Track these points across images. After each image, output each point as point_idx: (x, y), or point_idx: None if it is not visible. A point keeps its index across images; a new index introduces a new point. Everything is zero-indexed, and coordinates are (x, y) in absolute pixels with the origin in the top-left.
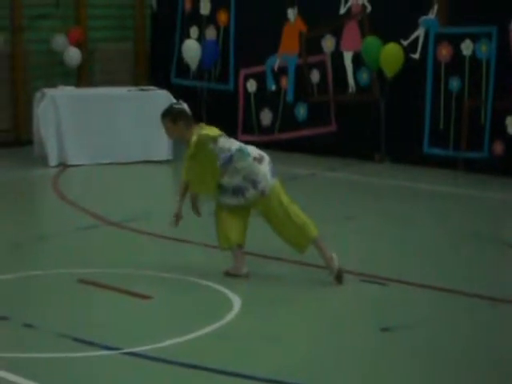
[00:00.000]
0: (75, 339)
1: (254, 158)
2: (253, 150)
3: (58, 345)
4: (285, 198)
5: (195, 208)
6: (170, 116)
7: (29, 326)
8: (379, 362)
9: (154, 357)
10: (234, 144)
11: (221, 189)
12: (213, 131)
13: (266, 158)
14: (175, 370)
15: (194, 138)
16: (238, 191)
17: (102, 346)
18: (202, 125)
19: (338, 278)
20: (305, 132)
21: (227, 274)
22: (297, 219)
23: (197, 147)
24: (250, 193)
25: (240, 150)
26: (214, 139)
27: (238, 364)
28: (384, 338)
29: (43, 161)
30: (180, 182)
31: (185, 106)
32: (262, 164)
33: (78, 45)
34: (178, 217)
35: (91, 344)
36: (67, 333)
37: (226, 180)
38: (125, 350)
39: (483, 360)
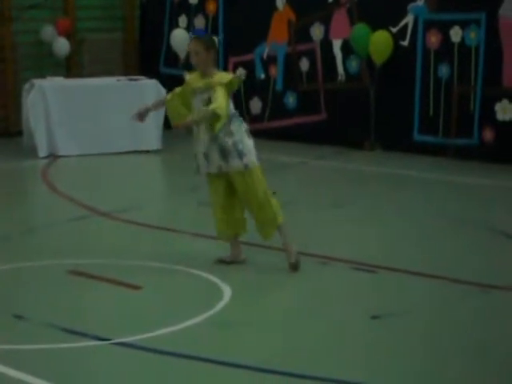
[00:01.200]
0: (66, 330)
1: (245, 129)
2: (244, 123)
3: (48, 336)
4: (265, 183)
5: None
6: (205, 41)
7: (19, 317)
8: (370, 350)
9: (144, 347)
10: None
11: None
12: None
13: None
14: (166, 360)
15: (231, 76)
16: (224, 153)
17: (93, 337)
18: None
19: (294, 266)
20: (294, 120)
21: (222, 261)
22: (274, 204)
23: (230, 85)
24: (235, 162)
25: (236, 114)
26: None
27: (230, 353)
28: (374, 326)
29: (33, 152)
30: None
31: (217, 40)
32: (250, 139)
33: (67, 35)
34: (142, 113)
35: (82, 335)
36: (58, 323)
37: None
38: (115, 341)
39: (475, 347)
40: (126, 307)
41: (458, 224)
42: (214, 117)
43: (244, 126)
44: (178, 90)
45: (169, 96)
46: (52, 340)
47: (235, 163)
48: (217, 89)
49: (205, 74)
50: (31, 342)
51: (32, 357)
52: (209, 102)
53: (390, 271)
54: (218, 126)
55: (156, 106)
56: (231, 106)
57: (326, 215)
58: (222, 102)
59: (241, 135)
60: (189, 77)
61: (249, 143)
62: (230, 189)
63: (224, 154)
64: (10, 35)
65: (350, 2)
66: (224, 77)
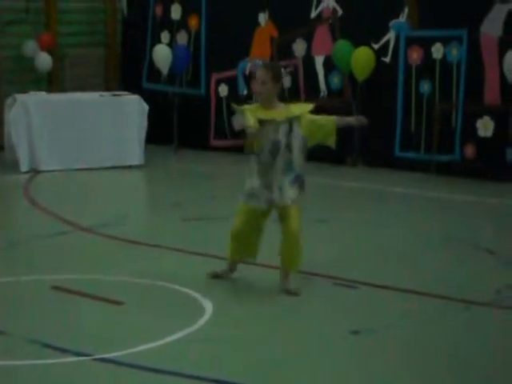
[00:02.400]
0: (47, 345)
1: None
2: None
3: (29, 351)
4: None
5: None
6: (274, 71)
7: (0, 332)
8: (349, 365)
9: (126, 362)
10: None
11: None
12: None
13: None
14: (148, 376)
15: (311, 106)
16: (295, 181)
17: (74, 353)
18: None
19: (295, 293)
20: None
21: (215, 275)
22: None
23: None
24: (291, 192)
25: None
26: None
27: (210, 369)
28: (354, 341)
29: (14, 166)
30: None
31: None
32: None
33: (49, 50)
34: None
35: (63, 350)
36: (39, 339)
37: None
38: (97, 356)
39: (456, 362)
40: (107, 323)
41: (440, 240)
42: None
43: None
44: (254, 121)
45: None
46: (33, 356)
47: (296, 194)
48: (307, 115)
49: (268, 106)
50: (12, 358)
51: (13, 373)
52: (289, 132)
53: (372, 287)
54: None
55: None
56: None
57: (308, 230)
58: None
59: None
60: (248, 108)
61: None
62: (262, 217)
63: (298, 184)
64: None
65: (333, 19)
66: (304, 106)
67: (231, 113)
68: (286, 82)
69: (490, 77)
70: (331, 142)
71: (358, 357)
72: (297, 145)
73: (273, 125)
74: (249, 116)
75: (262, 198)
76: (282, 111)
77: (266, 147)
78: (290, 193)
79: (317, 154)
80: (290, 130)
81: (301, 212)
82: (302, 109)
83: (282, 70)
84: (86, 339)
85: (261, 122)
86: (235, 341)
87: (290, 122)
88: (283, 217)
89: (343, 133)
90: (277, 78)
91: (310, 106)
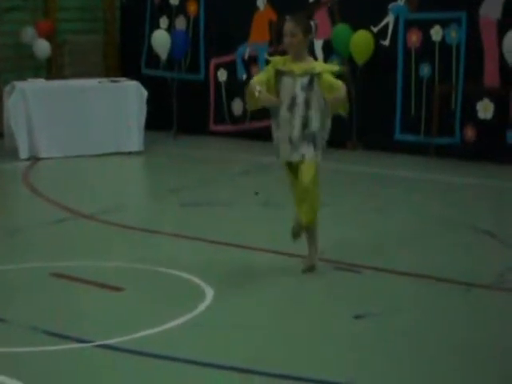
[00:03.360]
0: (48, 332)
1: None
2: None
3: (30, 338)
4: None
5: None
6: (304, 24)
7: (1, 320)
8: (354, 350)
9: (127, 348)
10: None
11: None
12: None
13: None
14: (149, 361)
15: (337, 67)
16: (312, 141)
17: (75, 339)
18: None
19: (309, 269)
20: None
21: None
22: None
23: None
24: (310, 149)
25: None
26: None
27: (212, 354)
28: (358, 326)
29: (14, 154)
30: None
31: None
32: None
33: (48, 37)
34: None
35: (64, 337)
36: (40, 326)
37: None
38: (98, 343)
39: (460, 345)
40: (108, 309)
41: (441, 222)
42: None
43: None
44: (263, 76)
45: (258, 81)
46: (34, 343)
47: (311, 152)
48: (326, 75)
49: (297, 59)
50: (13, 345)
51: (14, 360)
52: (308, 88)
53: (374, 271)
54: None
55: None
56: None
57: None
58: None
59: (327, 130)
60: (274, 59)
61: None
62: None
63: (312, 141)
64: None
65: (331, 2)
66: (327, 66)
67: (230, 97)
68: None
69: (490, 59)
70: (342, 110)
71: (361, 341)
72: (315, 102)
73: (290, 77)
74: (264, 70)
75: (280, 153)
76: (304, 65)
77: (285, 101)
78: (304, 149)
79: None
80: (310, 85)
81: (316, 168)
82: (324, 67)
83: (312, 22)
84: (87, 326)
85: (280, 74)
86: (236, 326)
87: (311, 77)
88: (298, 172)
89: (343, 117)
90: (307, 30)
91: (335, 67)
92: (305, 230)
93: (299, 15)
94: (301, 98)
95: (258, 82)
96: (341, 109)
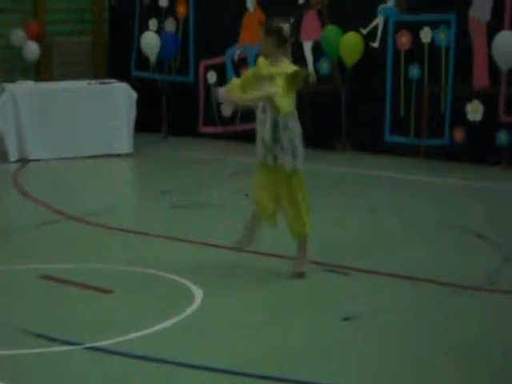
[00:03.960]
0: (37, 335)
1: (301, 133)
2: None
3: (20, 341)
4: (305, 190)
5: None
6: (266, 26)
7: None
8: (342, 352)
9: (116, 351)
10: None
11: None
12: None
13: None
14: (138, 364)
15: (295, 68)
16: (280, 146)
17: (65, 342)
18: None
19: (298, 276)
20: None
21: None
22: (305, 213)
23: (294, 78)
24: (287, 158)
25: (296, 114)
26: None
27: (201, 356)
28: (346, 327)
29: (3, 156)
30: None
31: (286, 26)
32: (301, 144)
33: (37, 39)
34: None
35: (54, 340)
36: (29, 329)
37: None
38: (87, 345)
39: (448, 347)
40: (97, 311)
41: (430, 224)
42: (268, 99)
43: (300, 129)
44: (236, 83)
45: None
46: (23, 345)
47: (287, 160)
48: (277, 78)
49: (273, 62)
50: (2, 348)
51: (3, 362)
52: None
53: (362, 272)
54: (284, 108)
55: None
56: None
57: None
58: (280, 89)
59: (298, 136)
60: (261, 59)
61: (301, 147)
62: (275, 181)
63: (280, 147)
64: None
65: (321, 4)
66: (288, 67)
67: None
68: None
69: (479, 61)
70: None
71: (350, 343)
72: None
73: (266, 80)
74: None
75: (258, 152)
76: (277, 69)
77: (259, 103)
78: (280, 158)
79: (307, 140)
80: None
81: (300, 179)
82: (282, 69)
83: (284, 24)
84: (76, 328)
85: (260, 78)
86: (225, 328)
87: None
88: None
89: (332, 118)
90: (269, 32)
91: (290, 69)
92: (296, 238)
93: (268, 22)
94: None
95: (233, 85)
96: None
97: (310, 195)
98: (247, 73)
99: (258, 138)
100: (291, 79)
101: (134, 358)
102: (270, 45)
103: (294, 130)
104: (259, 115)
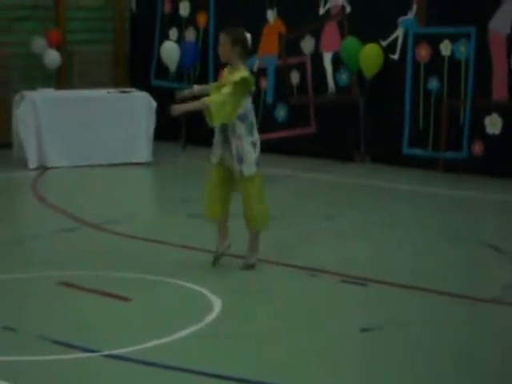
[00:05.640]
0: (56, 342)
1: (253, 140)
2: (255, 133)
3: (38, 348)
4: (259, 192)
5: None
6: (231, 36)
7: (9, 328)
8: (359, 363)
9: (134, 359)
10: (252, 113)
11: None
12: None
13: (258, 146)
14: (156, 372)
15: (245, 74)
16: (229, 150)
17: (83, 349)
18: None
19: (248, 268)
20: (284, 133)
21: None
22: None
23: (243, 84)
24: (235, 163)
25: (252, 124)
26: (251, 91)
27: (220, 365)
28: (364, 339)
29: (23, 163)
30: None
31: (248, 36)
32: (252, 151)
33: (58, 47)
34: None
35: (72, 346)
36: (48, 335)
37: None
38: (105, 353)
39: (464, 359)
40: (115, 319)
41: (447, 237)
42: (205, 109)
43: (253, 137)
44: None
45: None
46: (42, 352)
47: (234, 165)
48: (227, 85)
49: (232, 68)
50: (21, 354)
51: (22, 369)
52: None
53: (380, 284)
54: (215, 120)
55: (201, 91)
56: (245, 109)
57: (316, 228)
58: (218, 97)
59: (245, 143)
60: (226, 69)
61: (250, 154)
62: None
63: (229, 151)
64: (1, 47)
65: (341, 15)
66: (237, 74)
67: None
68: (295, 78)
69: (498, 74)
70: (209, 117)
71: (368, 354)
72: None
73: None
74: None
75: (214, 155)
76: (233, 76)
77: None
78: (228, 161)
79: (325, 151)
80: None
81: (258, 179)
82: (234, 77)
83: (245, 33)
84: (94, 335)
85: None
86: (244, 337)
87: None
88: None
89: (351, 130)
90: (235, 40)
91: (238, 75)
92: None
93: (232, 28)
94: None
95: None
96: (208, 115)
97: (327, 206)
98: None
99: (217, 139)
100: (239, 86)
101: (152, 366)
102: (234, 53)
103: (242, 136)
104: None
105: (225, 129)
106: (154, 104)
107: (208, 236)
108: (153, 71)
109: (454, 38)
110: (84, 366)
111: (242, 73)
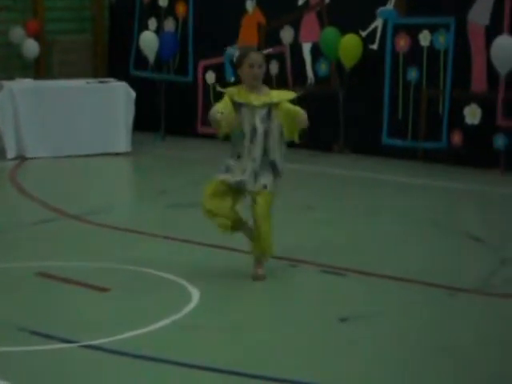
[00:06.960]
0: (34, 332)
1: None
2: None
3: (16, 338)
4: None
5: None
6: (265, 57)
7: None
8: (338, 353)
9: (112, 349)
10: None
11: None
12: None
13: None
14: (134, 363)
15: (293, 93)
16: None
17: (61, 339)
18: None
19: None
20: None
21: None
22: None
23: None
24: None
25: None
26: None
27: (198, 356)
28: (343, 328)
29: (1, 153)
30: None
31: None
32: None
33: (36, 37)
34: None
35: (50, 337)
36: (25, 326)
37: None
38: (83, 343)
39: (444, 349)
40: (93, 310)
41: (427, 227)
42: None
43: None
44: (224, 106)
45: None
46: (19, 342)
47: (270, 180)
48: (284, 104)
49: (253, 89)
50: (0, 345)
51: (1, 360)
52: (267, 119)
53: (359, 274)
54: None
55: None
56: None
57: (296, 218)
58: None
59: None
60: (228, 90)
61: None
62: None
63: (272, 170)
64: None
65: (320, 6)
66: (284, 94)
67: (218, 98)
68: (274, 68)
69: (477, 64)
70: (296, 136)
71: (347, 344)
72: (275, 132)
73: (249, 109)
74: (223, 101)
75: (234, 177)
76: (262, 96)
77: (246, 131)
78: (264, 179)
79: (303, 142)
80: (269, 116)
81: (272, 198)
82: (281, 96)
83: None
84: (72, 326)
85: (239, 105)
86: (222, 328)
87: (269, 108)
88: (253, 202)
89: (330, 120)
90: (265, 60)
91: (290, 95)
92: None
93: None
94: (261, 129)
95: (221, 108)
96: (295, 135)
97: (307, 196)
98: (226, 102)
99: (237, 164)
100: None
101: (131, 357)
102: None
103: (283, 152)
104: (247, 144)
105: (265, 152)
106: (133, 94)
107: (187, 226)
108: (132, 61)
109: (433, 29)
110: (63, 357)
111: (288, 92)
